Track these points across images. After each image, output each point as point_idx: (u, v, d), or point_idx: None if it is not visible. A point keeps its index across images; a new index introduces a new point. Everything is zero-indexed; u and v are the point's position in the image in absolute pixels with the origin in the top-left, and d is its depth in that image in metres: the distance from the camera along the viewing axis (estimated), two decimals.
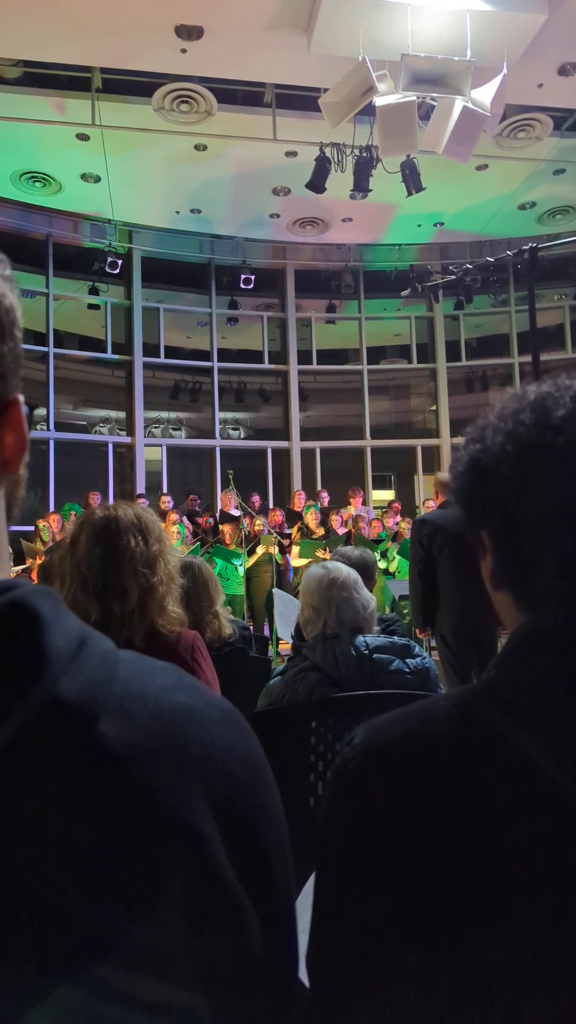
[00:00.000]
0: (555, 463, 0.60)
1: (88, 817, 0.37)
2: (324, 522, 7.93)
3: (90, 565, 1.49)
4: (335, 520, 8.01)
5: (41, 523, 7.26)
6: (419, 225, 10.53)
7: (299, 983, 0.52)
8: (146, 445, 10.89)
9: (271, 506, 9.43)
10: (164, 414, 12.93)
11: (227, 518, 7.88)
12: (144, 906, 0.37)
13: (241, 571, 7.34)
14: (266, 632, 6.97)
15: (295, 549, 7.63)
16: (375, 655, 1.82)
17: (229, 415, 12.94)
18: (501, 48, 6.35)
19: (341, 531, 7.88)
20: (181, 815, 0.39)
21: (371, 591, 2.39)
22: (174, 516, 7.96)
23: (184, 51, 6.81)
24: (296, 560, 7.51)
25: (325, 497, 9.23)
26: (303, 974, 0.57)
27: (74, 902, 0.35)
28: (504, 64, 6.39)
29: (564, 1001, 0.49)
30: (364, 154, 7.82)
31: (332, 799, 0.60)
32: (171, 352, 11.42)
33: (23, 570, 6.58)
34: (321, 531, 7.79)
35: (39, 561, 6.39)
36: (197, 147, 8.52)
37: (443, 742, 0.58)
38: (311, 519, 7.84)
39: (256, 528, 7.71)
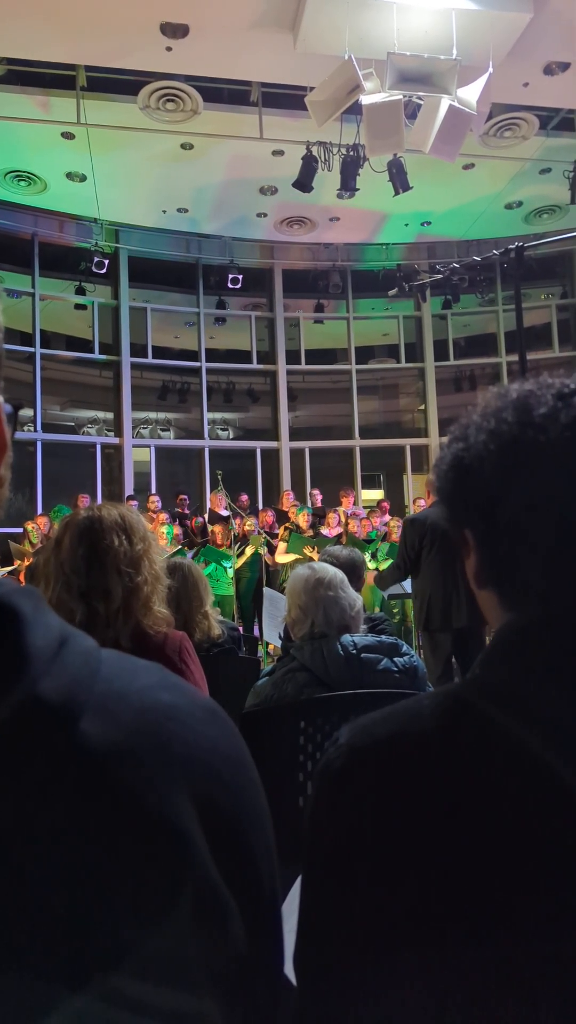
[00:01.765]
0: (536, 461, 0.60)
1: (70, 817, 0.37)
2: (315, 524, 7.93)
3: (74, 566, 1.49)
4: (332, 518, 8.00)
5: (29, 525, 7.23)
6: (406, 224, 10.55)
7: (286, 983, 0.52)
8: (134, 446, 10.85)
9: (260, 506, 9.42)
10: (152, 415, 12.89)
11: (217, 519, 7.88)
12: (129, 907, 0.37)
13: (231, 572, 7.34)
14: (256, 632, 6.97)
15: (282, 545, 7.63)
16: (363, 654, 1.82)
17: (218, 415, 12.92)
18: (487, 47, 6.37)
19: (336, 531, 7.88)
20: (164, 814, 0.39)
21: (360, 591, 2.40)
22: (163, 517, 7.94)
23: (169, 49, 6.79)
24: (283, 556, 7.50)
25: (318, 496, 9.23)
26: (291, 974, 0.57)
27: (58, 905, 0.35)
28: (490, 63, 6.41)
29: (566, 1001, 0.49)
30: (351, 153, 7.83)
31: (317, 799, 0.60)
32: (159, 352, 11.39)
33: (10, 572, 6.55)
34: (311, 533, 7.79)
35: (27, 563, 6.36)
36: (183, 146, 8.50)
37: (429, 740, 0.57)
38: (302, 520, 7.84)
39: (246, 528, 7.71)
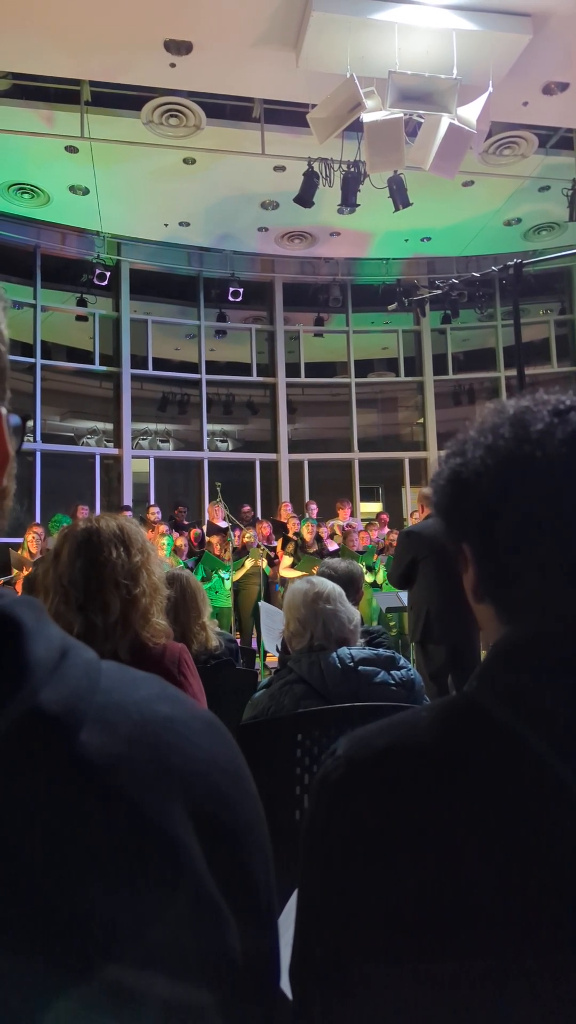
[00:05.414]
0: (533, 476, 0.61)
1: (69, 826, 0.37)
2: (319, 537, 7.95)
3: (71, 578, 1.48)
4: (323, 532, 8.03)
5: (29, 535, 7.22)
6: (406, 240, 10.63)
7: (281, 995, 0.52)
8: (133, 457, 10.86)
9: (259, 518, 9.42)
10: (152, 426, 12.92)
11: (215, 530, 7.88)
12: (126, 913, 0.37)
13: (228, 583, 7.32)
14: (254, 645, 6.95)
15: (286, 560, 7.63)
16: (360, 667, 1.82)
17: (217, 427, 12.94)
18: (487, 67, 6.44)
19: (330, 544, 7.89)
20: (161, 825, 0.39)
21: (358, 603, 2.40)
22: (163, 528, 7.94)
23: (173, 66, 6.85)
24: (288, 571, 7.49)
25: (314, 509, 9.24)
26: (286, 986, 0.57)
27: (58, 907, 0.35)
28: (490, 82, 6.48)
29: (565, 1008, 0.49)
30: (352, 169, 7.90)
31: (315, 811, 0.60)
32: (159, 364, 11.42)
33: (6, 581, 6.54)
34: (315, 546, 7.80)
35: (25, 572, 6.35)
36: (186, 161, 8.57)
37: (427, 751, 0.58)
38: (307, 532, 7.85)
39: (245, 540, 7.70)
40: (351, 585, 2.49)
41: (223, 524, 7.93)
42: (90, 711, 0.41)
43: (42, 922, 0.35)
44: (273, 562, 7.77)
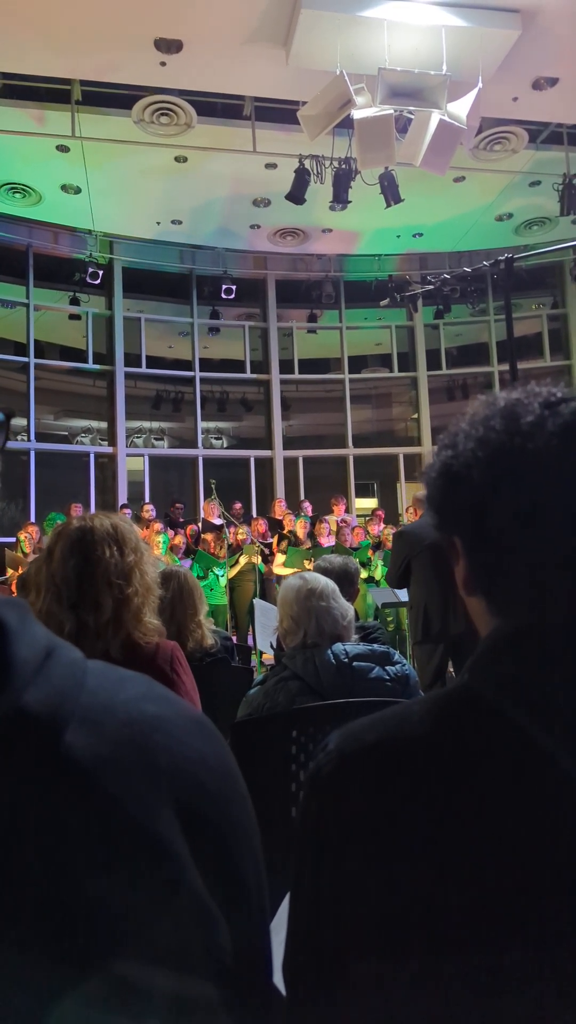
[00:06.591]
0: (524, 469, 0.61)
1: (55, 827, 0.37)
2: (311, 533, 7.94)
3: (64, 576, 1.47)
4: (322, 529, 8.01)
5: (22, 535, 7.21)
6: (398, 236, 10.63)
7: (274, 991, 0.52)
8: (128, 455, 10.84)
9: (254, 515, 9.42)
10: (146, 424, 12.89)
11: (210, 527, 7.87)
12: (114, 912, 0.37)
13: (223, 581, 7.32)
14: (250, 642, 6.95)
15: (279, 557, 7.63)
16: (355, 663, 1.82)
17: (211, 425, 12.92)
18: (476, 63, 6.44)
19: (327, 541, 7.89)
20: (147, 826, 0.39)
21: (354, 598, 2.40)
22: (158, 526, 7.93)
23: (164, 64, 6.83)
24: (281, 568, 7.50)
25: (308, 507, 9.23)
26: (280, 983, 0.56)
27: (46, 907, 0.35)
28: (479, 78, 6.47)
29: (561, 1005, 0.49)
30: (343, 166, 7.89)
31: (306, 805, 0.60)
32: (153, 362, 11.40)
33: (2, 581, 6.53)
34: (308, 543, 7.80)
35: (20, 571, 6.34)
36: (177, 159, 8.56)
37: (419, 743, 0.57)
38: (300, 528, 7.85)
39: (239, 538, 7.70)
40: (346, 580, 2.49)
41: (218, 521, 7.93)
42: (76, 711, 0.40)
43: (27, 922, 0.35)
44: (268, 558, 7.76)
